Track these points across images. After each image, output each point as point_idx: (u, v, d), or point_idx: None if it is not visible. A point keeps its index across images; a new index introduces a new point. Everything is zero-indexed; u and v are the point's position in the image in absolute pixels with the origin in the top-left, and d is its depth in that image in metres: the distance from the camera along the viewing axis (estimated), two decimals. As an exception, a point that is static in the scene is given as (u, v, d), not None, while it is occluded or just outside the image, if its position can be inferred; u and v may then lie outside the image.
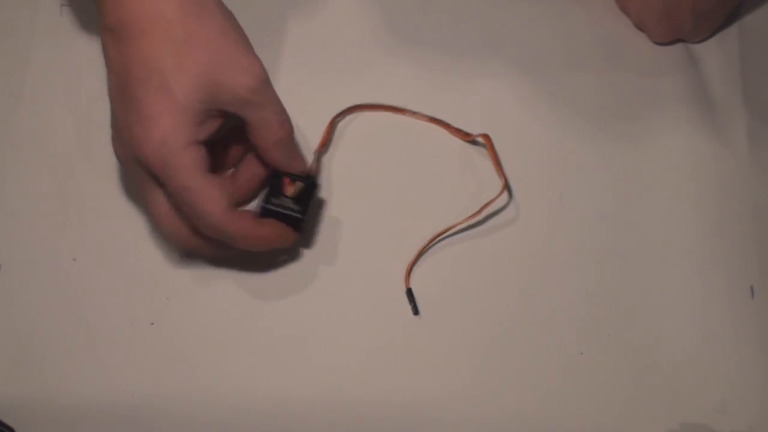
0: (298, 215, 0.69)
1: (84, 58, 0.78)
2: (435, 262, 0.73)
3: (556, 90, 0.78)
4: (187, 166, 0.62)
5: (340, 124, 0.77)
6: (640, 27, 0.79)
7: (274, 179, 0.70)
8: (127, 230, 0.74)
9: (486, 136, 0.75)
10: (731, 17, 0.80)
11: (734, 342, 0.71)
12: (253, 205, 0.72)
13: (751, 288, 0.73)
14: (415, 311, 0.72)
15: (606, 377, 0.71)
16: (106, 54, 0.64)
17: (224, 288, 0.72)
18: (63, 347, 0.71)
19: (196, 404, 0.69)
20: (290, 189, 0.69)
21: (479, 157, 0.76)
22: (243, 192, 0.71)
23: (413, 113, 0.77)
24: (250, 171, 0.70)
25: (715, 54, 0.79)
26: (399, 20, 0.80)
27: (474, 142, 0.76)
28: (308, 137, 0.75)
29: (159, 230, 0.67)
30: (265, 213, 0.69)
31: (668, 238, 0.74)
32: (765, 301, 0.72)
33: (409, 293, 0.72)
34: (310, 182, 0.70)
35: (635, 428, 0.69)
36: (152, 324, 0.71)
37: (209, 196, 0.64)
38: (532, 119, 0.77)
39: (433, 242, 0.73)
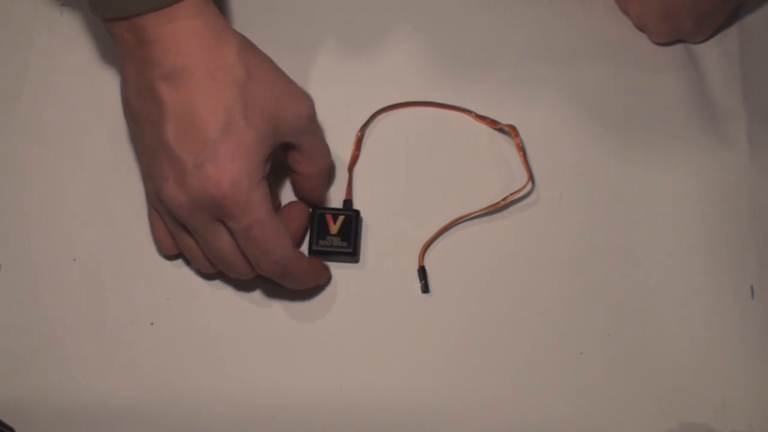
0: (349, 251, 0.71)
1: (84, 58, 0.78)
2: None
3: (555, 90, 0.78)
4: (261, 200, 0.64)
5: (365, 131, 0.77)
6: (640, 27, 0.79)
7: (316, 221, 0.72)
8: (127, 230, 0.74)
9: (512, 128, 0.75)
10: (731, 17, 0.79)
11: (734, 342, 0.71)
12: (304, 248, 0.73)
13: (751, 288, 0.73)
14: (425, 289, 0.72)
15: (606, 377, 0.71)
16: (161, 101, 0.63)
17: (224, 288, 0.72)
18: (63, 347, 0.71)
19: (196, 404, 0.69)
20: (334, 226, 0.72)
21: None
22: (293, 237, 0.71)
23: (436, 104, 0.77)
24: (294, 215, 0.71)
25: (715, 54, 0.79)
26: (401, 22, 0.80)
27: (501, 131, 0.76)
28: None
29: (226, 265, 0.67)
30: (315, 255, 0.72)
31: (668, 238, 0.74)
32: (765, 301, 0.72)
33: (422, 271, 0.72)
34: (351, 213, 0.72)
35: (635, 428, 0.69)
36: (152, 324, 0.71)
37: (281, 230, 0.66)
38: (531, 119, 0.77)
39: (447, 228, 0.73)
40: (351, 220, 0.72)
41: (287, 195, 0.75)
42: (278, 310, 0.72)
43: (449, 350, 0.71)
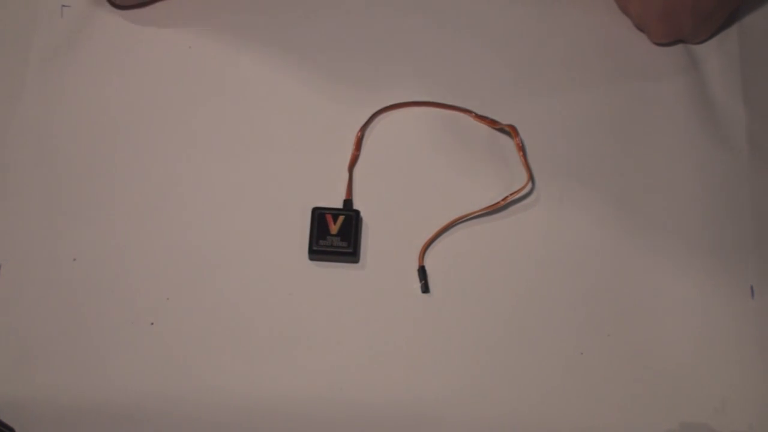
0: (349, 251, 0.72)
1: (84, 58, 0.78)
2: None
3: (555, 89, 0.78)
4: None
5: (365, 131, 0.77)
6: (640, 27, 0.79)
7: (316, 221, 0.72)
8: (127, 230, 0.74)
9: (512, 128, 0.75)
10: (731, 17, 0.80)
11: (734, 342, 0.71)
12: (304, 248, 0.73)
13: (751, 288, 0.73)
14: (425, 289, 0.72)
15: (606, 377, 0.71)
16: None
17: (224, 288, 0.72)
18: (63, 347, 0.71)
19: (196, 404, 0.69)
20: (334, 226, 0.72)
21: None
22: None
23: (436, 104, 0.77)
24: None
25: (715, 54, 0.79)
26: (401, 23, 0.80)
27: (501, 131, 0.76)
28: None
29: None
30: (315, 255, 0.72)
31: (668, 237, 0.74)
32: (765, 301, 0.72)
33: (422, 271, 0.72)
34: (351, 213, 0.73)
35: (635, 428, 0.69)
36: (152, 324, 0.71)
37: None
38: (530, 119, 0.77)
39: (447, 228, 0.73)
40: (351, 220, 0.72)
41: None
42: (278, 310, 0.72)
43: (449, 350, 0.71)
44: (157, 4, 0.80)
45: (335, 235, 0.72)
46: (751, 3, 0.81)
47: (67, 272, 0.73)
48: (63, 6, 0.80)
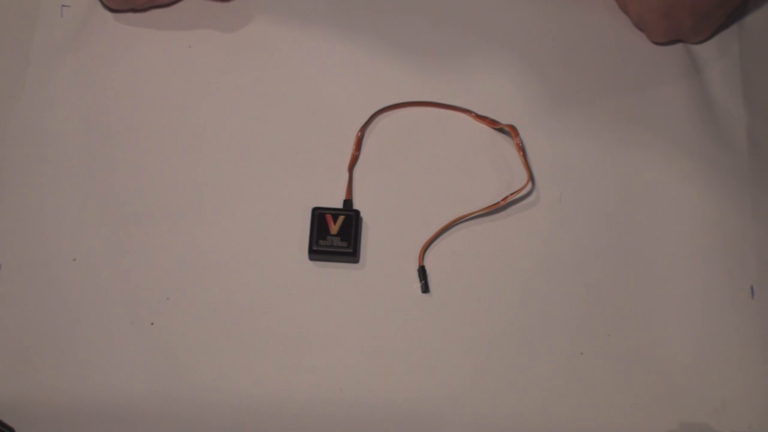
0: (349, 251, 0.72)
1: (84, 58, 0.78)
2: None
3: (555, 89, 0.78)
4: None
5: (365, 131, 0.77)
6: (639, 27, 0.79)
7: (316, 221, 0.72)
8: (127, 230, 0.74)
9: (512, 128, 0.75)
10: (731, 17, 0.80)
11: (734, 342, 0.71)
12: (304, 248, 0.73)
13: (751, 288, 0.73)
14: (425, 289, 0.72)
15: (606, 377, 0.71)
16: None
17: (224, 288, 0.72)
18: (63, 347, 0.71)
19: (196, 404, 0.69)
20: (334, 226, 0.72)
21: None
22: None
23: (436, 104, 0.77)
24: None
25: (715, 54, 0.79)
26: (401, 22, 0.80)
27: (501, 131, 0.76)
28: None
29: None
30: (315, 255, 0.72)
31: (668, 237, 0.74)
32: (765, 301, 0.72)
33: (422, 271, 0.72)
34: (351, 213, 0.73)
35: (635, 428, 0.69)
36: (152, 324, 0.71)
37: None
38: (530, 118, 0.77)
39: (447, 228, 0.73)
40: (351, 220, 0.72)
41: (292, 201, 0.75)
42: (278, 310, 0.72)
43: (449, 350, 0.71)
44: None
45: (335, 235, 0.72)
46: (751, 3, 0.80)
47: (67, 272, 0.73)
48: (63, 6, 0.80)
